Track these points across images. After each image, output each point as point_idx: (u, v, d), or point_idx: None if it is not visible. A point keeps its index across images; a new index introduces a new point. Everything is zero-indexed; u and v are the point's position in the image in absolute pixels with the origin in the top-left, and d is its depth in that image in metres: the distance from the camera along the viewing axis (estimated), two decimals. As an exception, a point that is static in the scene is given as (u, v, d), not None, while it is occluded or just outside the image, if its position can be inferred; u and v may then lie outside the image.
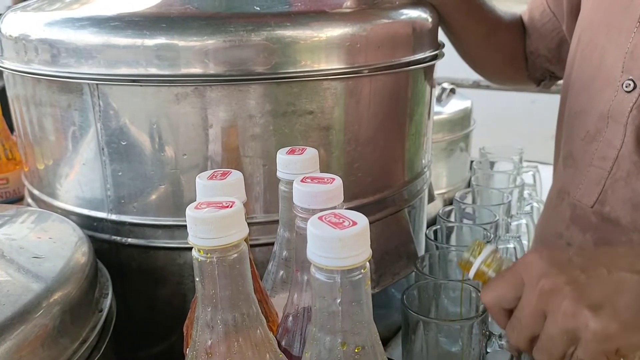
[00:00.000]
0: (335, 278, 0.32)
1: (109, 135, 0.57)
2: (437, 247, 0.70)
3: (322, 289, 0.33)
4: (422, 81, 0.70)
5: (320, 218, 0.33)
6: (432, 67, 0.72)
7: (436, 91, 1.17)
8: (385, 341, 0.76)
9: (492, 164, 1.07)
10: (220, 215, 0.34)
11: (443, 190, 1.18)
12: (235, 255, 0.36)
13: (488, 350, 0.58)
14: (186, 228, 0.35)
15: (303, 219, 0.40)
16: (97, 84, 0.55)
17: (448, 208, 0.77)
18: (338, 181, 0.40)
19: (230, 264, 0.35)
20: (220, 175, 0.42)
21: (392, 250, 0.69)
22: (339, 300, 0.33)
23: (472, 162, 1.23)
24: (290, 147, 0.48)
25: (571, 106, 0.72)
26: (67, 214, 0.62)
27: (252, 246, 0.61)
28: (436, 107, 1.16)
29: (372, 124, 0.63)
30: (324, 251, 0.31)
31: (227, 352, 0.36)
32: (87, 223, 0.61)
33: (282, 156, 0.46)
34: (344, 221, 0.32)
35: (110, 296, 0.52)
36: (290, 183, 0.46)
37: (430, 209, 0.91)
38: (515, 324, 0.47)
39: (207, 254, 0.35)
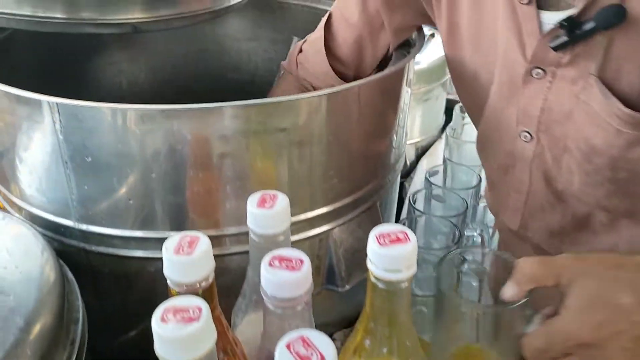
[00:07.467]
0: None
1: (71, 151, 0.55)
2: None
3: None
4: (399, 84, 0.67)
5: (287, 346, 0.33)
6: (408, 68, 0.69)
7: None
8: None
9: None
10: (187, 333, 0.34)
11: (417, 140, 1.18)
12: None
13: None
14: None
15: (271, 304, 0.40)
16: (56, 103, 0.52)
17: (419, 193, 0.77)
18: (306, 265, 0.40)
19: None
20: (188, 247, 0.41)
21: (363, 248, 0.69)
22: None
23: (448, 100, 1.21)
24: (261, 194, 0.47)
25: (481, 134, 0.70)
26: (33, 217, 0.61)
27: (224, 255, 0.61)
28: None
29: (347, 133, 0.62)
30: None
31: None
32: (53, 227, 0.61)
33: (253, 210, 0.46)
34: (312, 354, 0.33)
35: (81, 321, 0.52)
36: (261, 236, 0.46)
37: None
38: None
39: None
